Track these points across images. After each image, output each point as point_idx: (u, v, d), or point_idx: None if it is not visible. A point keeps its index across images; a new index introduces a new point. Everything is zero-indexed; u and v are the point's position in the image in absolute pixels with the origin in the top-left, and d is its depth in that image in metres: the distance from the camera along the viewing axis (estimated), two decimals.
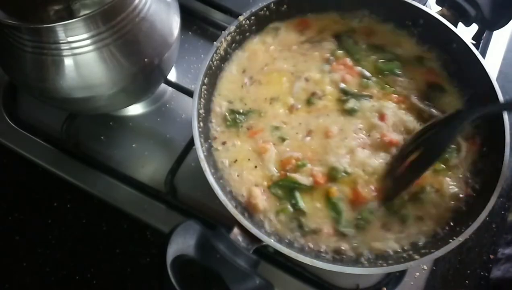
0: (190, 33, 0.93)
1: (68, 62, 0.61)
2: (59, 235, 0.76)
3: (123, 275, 0.73)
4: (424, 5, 0.73)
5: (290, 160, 0.67)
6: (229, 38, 0.71)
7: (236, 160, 0.68)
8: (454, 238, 0.58)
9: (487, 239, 0.76)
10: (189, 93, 0.81)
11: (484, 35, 0.91)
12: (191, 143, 0.77)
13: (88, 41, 0.59)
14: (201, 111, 0.67)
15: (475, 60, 0.69)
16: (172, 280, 0.52)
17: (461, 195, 0.66)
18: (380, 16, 0.78)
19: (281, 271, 0.71)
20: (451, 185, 0.66)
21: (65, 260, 0.75)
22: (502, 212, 0.79)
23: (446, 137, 0.63)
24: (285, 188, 0.66)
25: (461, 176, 0.67)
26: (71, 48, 0.59)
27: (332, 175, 0.66)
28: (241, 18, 0.71)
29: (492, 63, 0.91)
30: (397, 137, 0.68)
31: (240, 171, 0.67)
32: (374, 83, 0.73)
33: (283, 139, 0.69)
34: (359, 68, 0.74)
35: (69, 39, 0.58)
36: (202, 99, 0.68)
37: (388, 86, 0.73)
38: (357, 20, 0.78)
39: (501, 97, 0.66)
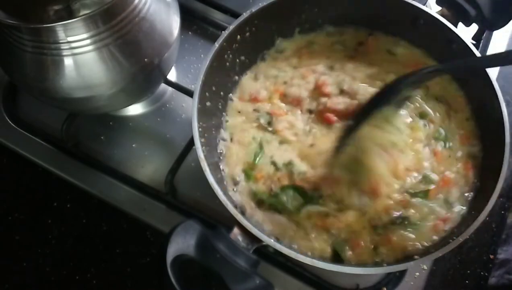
0: (190, 33, 0.93)
1: (68, 62, 0.61)
2: (59, 235, 0.76)
3: (123, 275, 0.73)
4: (424, 5, 0.73)
5: None
6: (229, 38, 0.71)
7: None
8: (454, 238, 0.58)
9: (487, 239, 0.76)
10: (189, 93, 0.81)
11: (484, 35, 0.91)
12: (191, 143, 0.77)
13: (88, 41, 0.59)
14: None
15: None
16: (172, 280, 0.52)
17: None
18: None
19: (281, 271, 0.71)
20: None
21: (65, 260, 0.75)
22: (502, 212, 0.79)
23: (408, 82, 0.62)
24: None
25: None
26: (71, 48, 0.59)
27: None
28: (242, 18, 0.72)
29: None
30: None
31: None
32: None
33: None
34: None
35: (69, 39, 0.58)
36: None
37: None
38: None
39: (501, 98, 0.66)
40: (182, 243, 0.55)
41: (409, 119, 0.71)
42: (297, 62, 0.77)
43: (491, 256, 0.75)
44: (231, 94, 0.75)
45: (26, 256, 0.75)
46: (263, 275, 0.56)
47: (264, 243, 0.58)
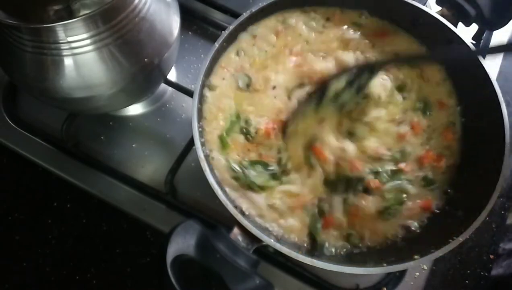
0: (190, 33, 0.93)
1: (68, 62, 0.61)
2: (59, 235, 0.76)
3: (123, 275, 0.73)
4: (424, 5, 0.73)
5: None
6: (229, 38, 0.71)
7: None
8: (454, 238, 0.58)
9: (487, 239, 0.76)
10: (189, 93, 0.81)
11: (484, 35, 0.91)
12: (191, 143, 0.77)
13: (88, 41, 0.59)
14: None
15: (475, 60, 0.69)
16: (172, 280, 0.52)
17: None
18: (380, 16, 0.78)
19: (281, 271, 0.71)
20: None
21: (65, 260, 0.75)
22: (502, 212, 0.79)
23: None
24: None
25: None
26: (71, 48, 0.59)
27: None
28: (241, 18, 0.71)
29: (492, 63, 0.91)
30: None
31: None
32: None
33: None
34: None
35: (69, 39, 0.58)
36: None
37: None
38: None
39: (501, 98, 0.66)
40: (182, 243, 0.55)
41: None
42: (275, 41, 0.76)
43: (491, 256, 0.75)
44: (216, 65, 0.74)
45: (26, 256, 0.75)
46: (263, 275, 0.56)
47: (264, 243, 0.58)
